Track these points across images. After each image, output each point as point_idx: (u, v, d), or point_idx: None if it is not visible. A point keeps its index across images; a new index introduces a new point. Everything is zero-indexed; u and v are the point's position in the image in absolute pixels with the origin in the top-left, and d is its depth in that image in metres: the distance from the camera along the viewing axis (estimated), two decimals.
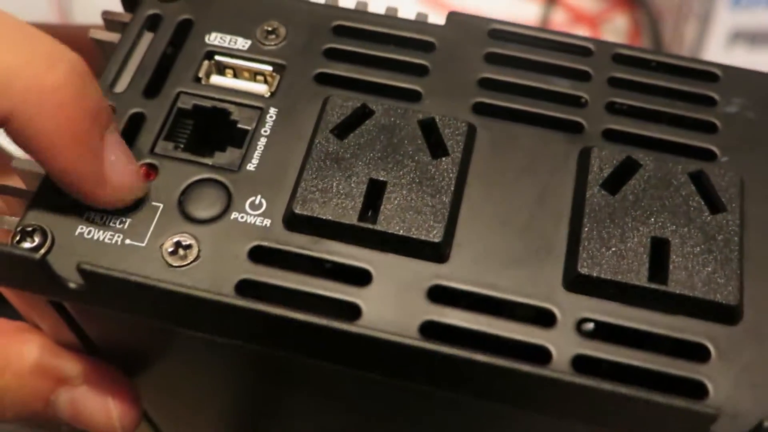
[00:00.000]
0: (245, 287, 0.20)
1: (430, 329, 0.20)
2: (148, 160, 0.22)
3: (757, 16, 0.52)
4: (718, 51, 0.54)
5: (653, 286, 0.20)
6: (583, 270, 0.20)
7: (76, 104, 0.20)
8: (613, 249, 0.21)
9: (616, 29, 0.64)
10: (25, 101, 0.19)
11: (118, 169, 0.21)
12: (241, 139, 0.23)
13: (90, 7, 0.67)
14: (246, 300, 0.19)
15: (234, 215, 0.21)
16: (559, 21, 0.64)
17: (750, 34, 0.53)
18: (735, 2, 0.52)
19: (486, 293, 0.20)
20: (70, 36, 0.23)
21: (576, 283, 0.20)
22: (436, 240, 0.21)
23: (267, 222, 0.21)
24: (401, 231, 0.21)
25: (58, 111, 0.19)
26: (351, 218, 0.21)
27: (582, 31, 0.64)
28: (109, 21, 0.25)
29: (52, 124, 0.19)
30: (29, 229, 0.21)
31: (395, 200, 0.21)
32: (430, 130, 0.22)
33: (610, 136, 0.23)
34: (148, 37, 0.24)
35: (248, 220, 0.21)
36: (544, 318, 0.20)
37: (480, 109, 0.23)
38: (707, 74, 0.24)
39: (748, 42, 0.54)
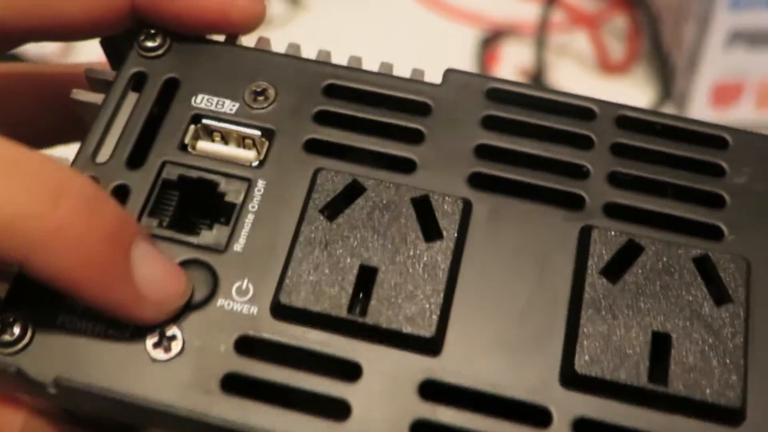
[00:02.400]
0: (231, 382, 0.20)
1: (421, 428, 0.19)
2: None
3: (756, 16, 0.52)
4: (716, 52, 0.54)
5: (652, 387, 0.19)
6: (581, 369, 0.19)
7: (88, 236, 0.19)
8: (612, 345, 0.20)
9: (616, 30, 0.64)
10: (33, 246, 0.18)
11: (153, 283, 0.20)
12: (228, 212, 0.22)
13: None
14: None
15: (220, 302, 0.20)
16: (559, 21, 0.64)
17: (749, 34, 0.53)
18: (734, 3, 0.52)
19: (479, 389, 0.20)
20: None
21: (573, 381, 0.20)
22: (428, 335, 0.20)
23: (254, 310, 0.20)
24: (392, 325, 0.20)
25: (69, 249, 0.18)
26: (340, 311, 0.20)
27: (581, 31, 0.64)
28: (93, 79, 0.24)
29: (67, 263, 0.19)
30: (10, 319, 0.20)
31: (386, 289, 0.20)
32: (423, 208, 0.21)
33: (612, 211, 0.22)
34: (132, 97, 0.23)
35: (234, 308, 0.20)
36: (539, 416, 0.20)
37: (476, 181, 0.22)
38: (717, 139, 0.23)
39: (747, 42, 0.54)
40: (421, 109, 0.23)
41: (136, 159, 0.22)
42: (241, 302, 0.20)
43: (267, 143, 0.23)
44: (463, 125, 0.23)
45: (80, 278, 0.19)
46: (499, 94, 0.23)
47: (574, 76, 0.62)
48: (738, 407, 0.19)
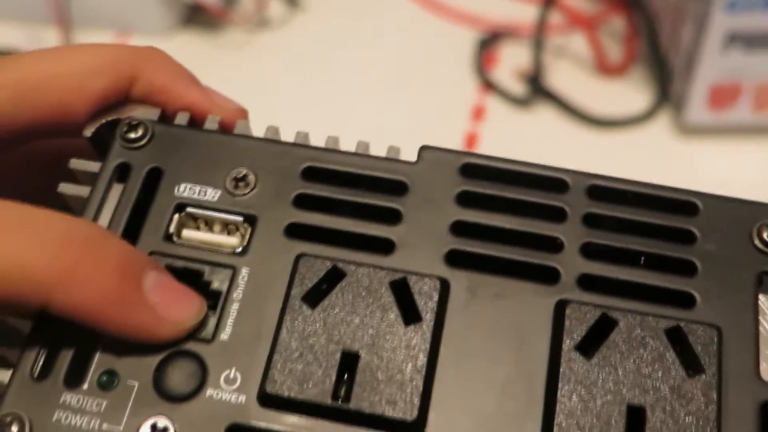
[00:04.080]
0: None
1: None
2: None
3: (753, 19, 0.53)
4: (713, 54, 0.54)
5: None
6: None
7: (98, 273, 0.21)
8: (589, 421, 0.20)
9: (614, 32, 0.64)
10: (51, 289, 0.20)
11: (168, 306, 0.21)
12: (214, 300, 0.22)
13: (88, 7, 0.67)
14: None
15: (209, 392, 0.21)
16: (556, 23, 0.64)
17: (746, 36, 0.53)
18: (731, 5, 0.52)
19: None
20: None
21: None
22: (410, 419, 0.20)
23: (242, 398, 0.21)
24: (374, 410, 0.20)
25: (82, 287, 0.20)
26: (324, 398, 0.21)
27: (579, 33, 0.64)
28: (79, 171, 0.24)
29: (83, 299, 0.20)
30: (7, 419, 0.21)
31: (368, 374, 0.21)
32: (402, 291, 0.22)
33: (586, 283, 0.22)
34: (117, 187, 0.24)
35: (223, 397, 0.21)
36: None
37: (452, 259, 0.23)
38: (687, 205, 0.23)
39: (744, 45, 0.54)
40: (397, 188, 0.24)
41: None
42: (230, 391, 0.21)
43: (249, 229, 0.23)
44: (439, 203, 0.23)
45: (98, 311, 0.21)
46: (473, 170, 0.24)
47: (572, 78, 0.62)
48: None
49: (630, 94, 0.61)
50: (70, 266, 0.20)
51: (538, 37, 0.62)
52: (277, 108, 0.61)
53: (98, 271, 0.21)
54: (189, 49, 0.65)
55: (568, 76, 0.62)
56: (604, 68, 0.62)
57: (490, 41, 0.64)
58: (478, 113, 0.60)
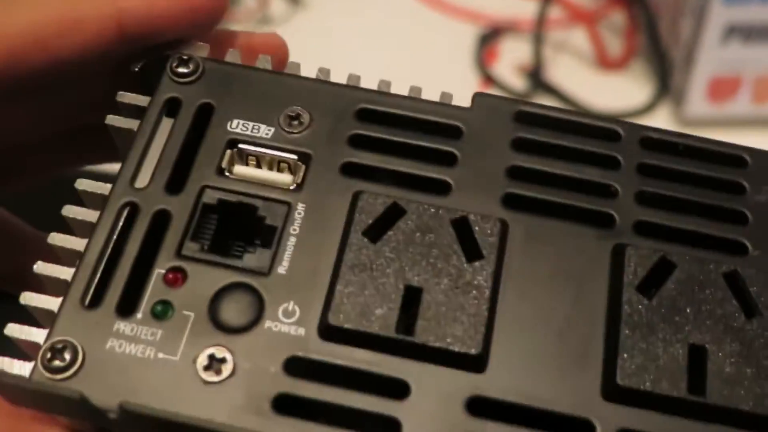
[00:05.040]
0: (282, 402, 0.20)
1: None
2: (175, 263, 0.21)
3: (752, 11, 0.53)
4: (713, 46, 0.55)
5: (692, 398, 0.20)
6: (622, 382, 0.20)
7: None
8: (651, 358, 0.20)
9: (614, 26, 0.65)
10: None
11: None
12: (269, 236, 0.22)
13: None
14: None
15: (267, 324, 0.21)
16: (557, 18, 0.65)
17: (745, 29, 0.54)
18: None
19: (524, 404, 0.20)
20: None
21: (615, 393, 0.20)
22: (474, 352, 0.20)
23: (301, 331, 0.21)
24: (439, 343, 0.20)
25: None
26: (388, 330, 0.20)
27: (579, 28, 0.64)
28: (125, 104, 0.24)
29: None
30: (59, 345, 0.20)
31: (432, 309, 0.21)
32: (463, 230, 0.22)
33: (642, 229, 0.22)
34: (167, 122, 0.23)
35: (282, 329, 0.21)
36: (583, 429, 0.20)
37: (510, 201, 0.23)
38: (736, 159, 0.24)
39: (743, 37, 0.54)
40: (452, 132, 0.24)
41: (175, 184, 0.22)
42: (289, 324, 0.21)
43: (303, 167, 0.23)
44: (494, 147, 0.23)
45: None
46: (528, 117, 0.24)
47: (573, 72, 0.62)
48: None
49: (630, 88, 0.61)
50: None
51: (539, 31, 0.62)
52: None
53: None
54: None
55: (568, 71, 0.62)
56: (605, 62, 0.63)
57: (490, 36, 0.65)
58: None
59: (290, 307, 0.21)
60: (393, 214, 0.22)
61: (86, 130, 0.26)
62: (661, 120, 0.59)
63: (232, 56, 0.25)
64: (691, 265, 0.22)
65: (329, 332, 0.21)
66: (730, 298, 0.21)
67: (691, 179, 0.23)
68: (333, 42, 0.66)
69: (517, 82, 0.62)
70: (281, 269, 0.21)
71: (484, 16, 0.66)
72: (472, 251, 0.22)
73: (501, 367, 0.21)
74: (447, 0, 0.67)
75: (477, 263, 0.21)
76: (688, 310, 0.21)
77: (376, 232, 0.22)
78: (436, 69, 0.64)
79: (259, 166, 0.23)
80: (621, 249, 0.22)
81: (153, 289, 0.21)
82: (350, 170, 0.23)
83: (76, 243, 0.22)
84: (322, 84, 0.24)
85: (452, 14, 0.67)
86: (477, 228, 0.22)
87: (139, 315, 0.21)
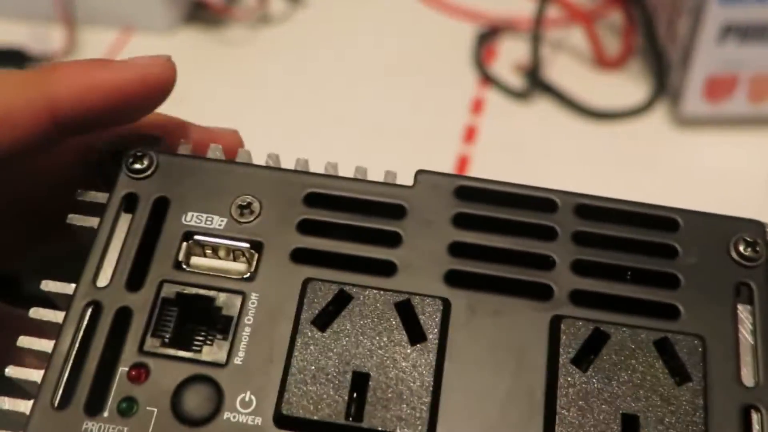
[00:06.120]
0: None
1: None
2: (138, 360, 0.22)
3: (748, 10, 0.53)
4: (709, 46, 0.55)
5: None
6: None
7: None
8: (587, 430, 0.21)
9: (611, 26, 0.65)
10: None
11: None
12: (226, 326, 0.23)
13: (92, 5, 0.68)
14: None
15: (226, 415, 0.22)
16: (555, 17, 0.65)
17: (741, 28, 0.54)
18: None
19: None
20: None
21: None
22: None
23: (258, 420, 0.22)
24: (386, 427, 0.21)
25: None
26: (338, 417, 0.22)
27: (577, 27, 0.65)
28: (85, 203, 0.25)
29: None
30: None
31: (378, 393, 0.22)
32: (407, 312, 0.23)
33: (578, 298, 0.23)
34: (126, 218, 0.24)
35: (240, 419, 0.22)
36: None
37: (452, 279, 0.24)
38: (668, 221, 0.25)
39: (740, 36, 0.54)
40: (396, 212, 0.25)
41: (136, 280, 0.23)
42: (246, 414, 0.22)
43: (256, 255, 0.24)
44: (436, 224, 0.24)
45: None
46: (467, 192, 0.25)
47: (571, 71, 0.63)
48: None
49: (628, 87, 0.61)
50: None
51: (537, 31, 0.62)
52: (278, 103, 0.62)
53: None
54: (192, 46, 0.66)
55: (566, 70, 0.63)
56: (603, 61, 0.63)
57: (489, 35, 0.65)
58: (478, 106, 0.61)
59: (247, 397, 0.22)
60: (340, 300, 0.23)
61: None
62: (658, 119, 0.59)
63: (184, 148, 0.26)
64: (624, 334, 0.23)
65: (283, 421, 0.22)
66: (661, 366, 0.22)
67: (625, 245, 0.24)
68: (332, 41, 0.67)
69: (515, 81, 0.62)
70: (238, 360, 0.22)
71: (483, 16, 0.66)
72: (415, 333, 0.23)
73: None
74: (448, 0, 0.68)
75: (420, 345, 0.22)
76: (621, 380, 0.22)
77: (324, 319, 0.23)
78: (435, 68, 0.64)
79: (217, 254, 0.24)
80: (558, 321, 0.23)
81: (118, 387, 0.22)
82: (300, 256, 0.24)
83: (44, 345, 0.23)
84: (270, 171, 0.25)
85: (451, 13, 0.67)
86: (420, 309, 0.23)
87: (105, 413, 0.22)
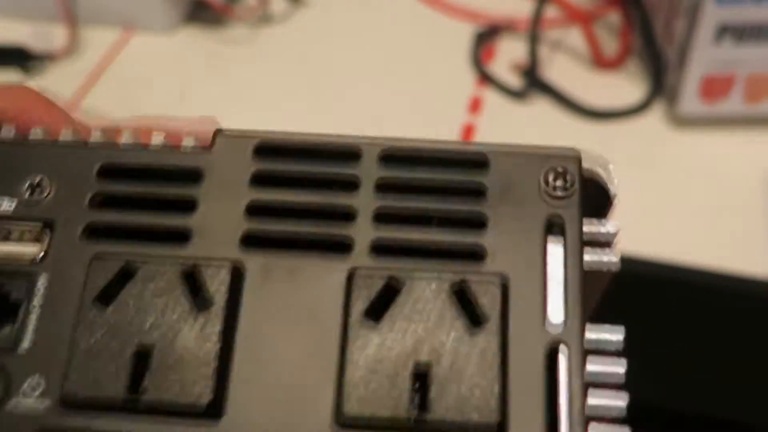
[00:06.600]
0: None
1: None
2: None
3: (744, 10, 0.53)
4: (705, 46, 0.55)
5: (418, 416, 0.20)
6: (349, 411, 0.20)
7: None
8: (377, 382, 0.20)
9: (609, 26, 0.65)
10: None
11: None
12: (14, 311, 0.22)
13: (93, 4, 0.68)
14: None
15: (14, 400, 0.21)
16: (553, 18, 0.65)
17: (737, 28, 0.54)
18: None
19: None
20: None
21: (345, 422, 0.20)
22: (204, 402, 0.20)
23: (46, 402, 0.21)
24: (169, 397, 0.21)
25: None
26: (120, 393, 0.21)
27: (575, 27, 0.65)
28: None
29: None
30: None
31: (163, 367, 0.21)
32: (193, 280, 0.22)
33: (378, 249, 0.22)
34: None
35: (28, 404, 0.21)
36: None
37: (248, 241, 0.22)
38: (478, 161, 0.23)
39: (736, 37, 0.55)
40: (192, 176, 0.23)
41: None
42: (34, 397, 0.21)
43: (49, 235, 0.23)
44: (234, 186, 0.23)
45: None
46: (267, 149, 0.23)
47: (568, 71, 0.63)
48: (497, 423, 0.20)
49: (625, 87, 0.61)
50: None
51: (535, 31, 0.63)
52: (279, 102, 0.63)
53: None
54: (192, 45, 0.67)
55: (564, 69, 0.63)
56: (600, 61, 0.63)
57: (487, 35, 0.65)
58: (476, 105, 0.61)
59: (35, 381, 0.21)
60: (126, 274, 0.22)
61: None
62: (655, 118, 0.60)
63: None
64: (419, 281, 0.21)
65: (69, 401, 0.21)
66: (457, 311, 0.21)
67: (431, 189, 0.22)
68: (332, 40, 0.67)
69: (513, 81, 0.63)
70: (26, 343, 0.22)
71: (482, 15, 0.67)
72: (202, 301, 0.22)
73: (239, 411, 0.21)
74: (448, 0, 0.68)
75: (207, 311, 0.21)
76: (414, 328, 0.21)
77: (109, 295, 0.22)
78: (434, 67, 0.65)
79: (7, 238, 0.23)
80: (353, 274, 0.22)
81: None
82: (91, 232, 0.23)
83: None
84: (63, 148, 0.24)
85: (450, 13, 0.68)
86: (206, 276, 0.22)
87: None
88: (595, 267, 0.22)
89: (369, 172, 0.23)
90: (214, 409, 0.21)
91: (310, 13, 0.69)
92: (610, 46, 0.63)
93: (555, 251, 0.22)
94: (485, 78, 0.63)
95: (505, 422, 0.20)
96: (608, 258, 0.22)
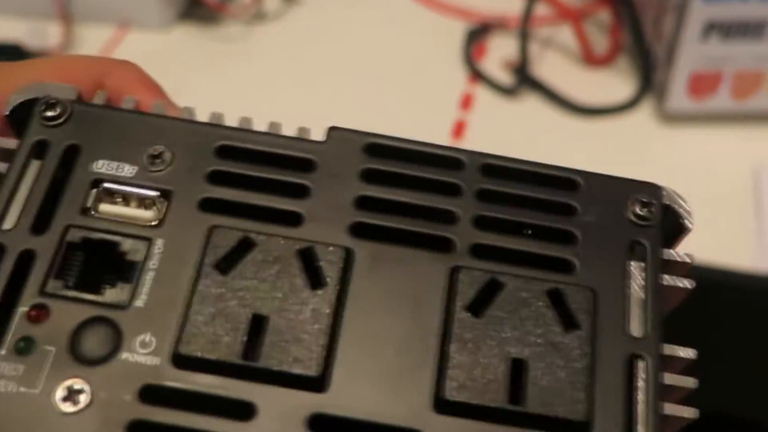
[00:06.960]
0: (136, 429, 0.21)
1: None
2: (38, 301, 0.23)
3: (731, 8, 0.54)
4: (693, 43, 0.56)
5: (512, 407, 0.22)
6: (449, 396, 0.22)
7: None
8: (477, 372, 0.22)
9: (599, 23, 0.66)
10: None
11: None
12: (130, 272, 0.23)
13: (89, 1, 0.69)
14: None
15: (125, 355, 0.22)
16: (544, 15, 0.66)
17: (724, 25, 0.55)
18: None
19: (361, 418, 0.22)
20: None
21: (443, 406, 0.22)
22: (314, 374, 0.22)
23: (156, 360, 0.22)
24: (281, 367, 0.22)
25: None
26: (235, 357, 0.22)
27: (566, 25, 0.66)
28: None
29: None
30: None
31: (276, 335, 0.22)
32: (308, 259, 0.23)
33: (478, 251, 0.24)
34: (35, 164, 0.24)
35: (138, 360, 0.22)
36: None
37: (356, 230, 0.24)
38: (569, 182, 0.25)
39: (723, 34, 0.55)
40: (306, 166, 0.25)
41: (41, 224, 0.24)
42: (144, 354, 0.22)
43: (166, 203, 0.24)
44: (344, 179, 0.25)
45: None
46: (377, 149, 0.25)
47: (559, 68, 0.64)
48: (584, 420, 0.22)
49: (614, 84, 0.62)
50: None
51: (525, 28, 0.63)
52: (273, 99, 0.63)
53: None
54: (187, 42, 0.67)
55: (555, 67, 0.64)
56: (590, 59, 0.64)
57: (479, 33, 0.66)
58: (467, 102, 0.62)
59: (147, 339, 0.22)
60: (244, 247, 0.23)
61: None
62: (644, 115, 0.61)
63: (99, 98, 0.26)
64: (518, 284, 0.23)
65: (181, 360, 0.22)
66: (551, 314, 0.23)
67: (527, 203, 0.25)
68: (326, 37, 0.68)
69: (504, 78, 0.63)
70: (139, 302, 0.23)
71: (473, 13, 0.67)
72: (316, 279, 0.23)
73: (342, 386, 0.22)
74: (443, 0, 0.69)
75: (320, 290, 0.23)
76: (512, 326, 0.23)
77: (227, 264, 0.23)
78: (426, 64, 0.65)
79: (126, 202, 0.24)
80: (456, 271, 0.24)
81: (17, 326, 0.22)
82: (208, 205, 0.24)
83: None
84: (184, 123, 0.26)
85: (442, 11, 0.68)
86: (321, 257, 0.23)
87: (2, 351, 0.22)
88: (671, 290, 0.25)
89: (470, 180, 0.25)
90: (321, 383, 0.22)
91: (304, 11, 0.69)
92: (600, 43, 0.64)
93: (635, 273, 0.24)
94: (477, 75, 0.63)
95: (592, 420, 0.22)
96: (683, 284, 0.25)
